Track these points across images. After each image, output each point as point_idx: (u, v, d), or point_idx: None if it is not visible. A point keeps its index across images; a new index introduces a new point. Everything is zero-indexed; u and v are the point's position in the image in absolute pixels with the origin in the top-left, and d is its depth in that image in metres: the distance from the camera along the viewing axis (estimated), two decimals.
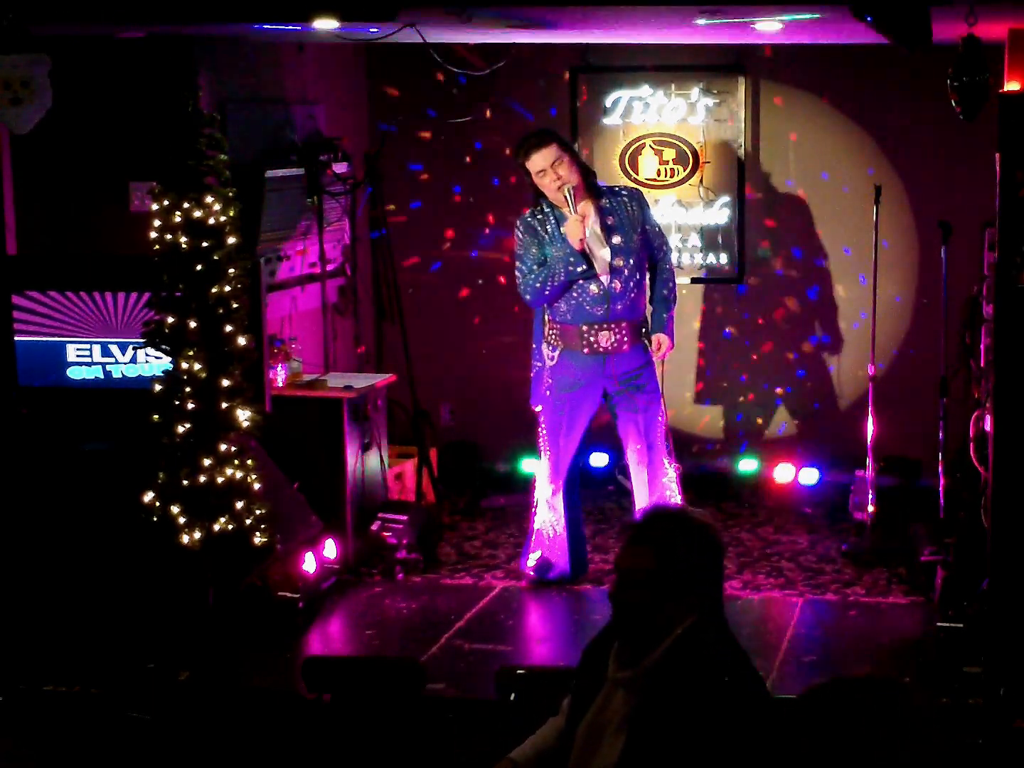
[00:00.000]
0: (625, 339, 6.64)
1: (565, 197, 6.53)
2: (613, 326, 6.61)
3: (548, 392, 6.81)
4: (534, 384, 6.93)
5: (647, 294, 6.80)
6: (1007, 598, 5.56)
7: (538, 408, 6.89)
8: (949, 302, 7.26)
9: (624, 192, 6.76)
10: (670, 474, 6.80)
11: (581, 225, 6.51)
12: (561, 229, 6.57)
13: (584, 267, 6.54)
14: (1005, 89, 5.86)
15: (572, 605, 6.82)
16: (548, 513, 6.87)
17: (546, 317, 6.77)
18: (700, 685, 3.29)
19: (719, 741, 3.24)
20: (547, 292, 6.62)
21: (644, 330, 6.76)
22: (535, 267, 6.62)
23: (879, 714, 2.79)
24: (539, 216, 6.65)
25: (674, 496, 6.77)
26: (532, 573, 6.96)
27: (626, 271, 6.61)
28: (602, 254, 6.61)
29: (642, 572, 3.38)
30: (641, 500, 6.78)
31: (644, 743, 3.32)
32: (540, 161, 6.53)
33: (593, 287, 6.58)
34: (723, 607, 3.49)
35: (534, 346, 6.93)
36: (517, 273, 6.72)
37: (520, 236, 6.72)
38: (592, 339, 6.62)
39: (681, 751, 3.25)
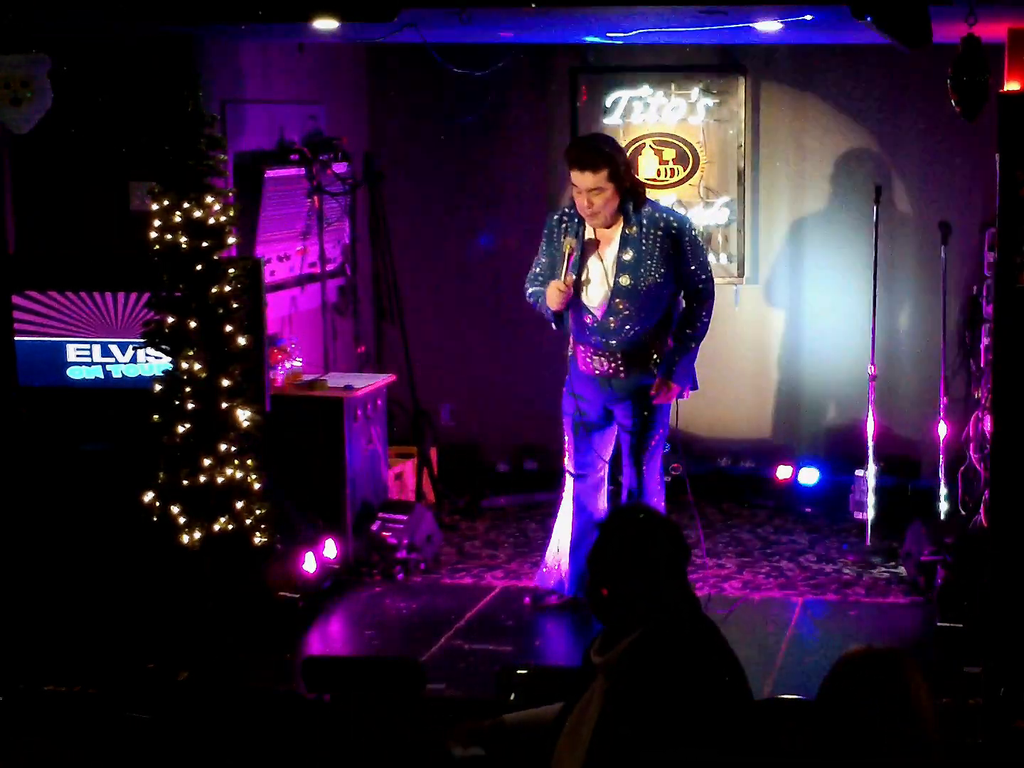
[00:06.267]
0: (621, 368, 6.35)
1: (566, 254, 6.21)
2: (608, 354, 6.34)
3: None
4: None
5: (663, 329, 6.36)
6: (1007, 598, 5.55)
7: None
8: (949, 302, 7.27)
9: (663, 225, 6.22)
10: (656, 500, 6.49)
11: (562, 294, 6.20)
12: (571, 241, 6.23)
13: (552, 322, 6.34)
14: (1005, 89, 5.86)
15: (572, 606, 6.81)
16: (562, 520, 6.64)
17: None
18: (659, 678, 3.36)
19: (680, 728, 3.29)
20: (535, 309, 6.48)
21: (653, 361, 6.34)
22: (540, 275, 6.43)
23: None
24: (564, 220, 6.36)
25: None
26: (528, 598, 6.75)
27: (627, 311, 6.23)
28: (596, 292, 6.27)
29: (599, 564, 3.56)
30: None
31: (609, 732, 3.39)
32: (580, 180, 6.14)
33: (587, 317, 6.31)
34: (696, 602, 3.57)
35: None
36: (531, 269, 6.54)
37: (544, 234, 6.46)
38: (589, 360, 6.41)
39: (643, 738, 3.31)
